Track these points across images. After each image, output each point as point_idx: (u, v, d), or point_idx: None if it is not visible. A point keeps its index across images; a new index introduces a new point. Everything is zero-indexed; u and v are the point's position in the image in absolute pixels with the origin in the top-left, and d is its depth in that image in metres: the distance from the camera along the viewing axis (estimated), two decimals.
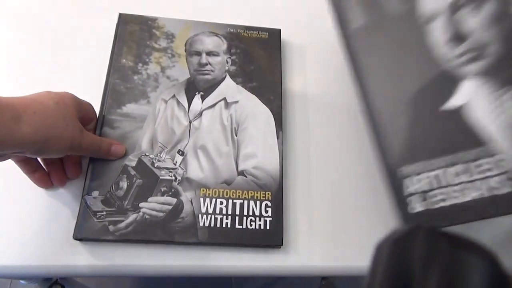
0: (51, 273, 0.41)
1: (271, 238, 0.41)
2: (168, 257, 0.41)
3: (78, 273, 0.40)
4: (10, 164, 0.40)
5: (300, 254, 0.42)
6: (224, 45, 0.51)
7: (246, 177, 0.43)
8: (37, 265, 0.40)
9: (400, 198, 0.39)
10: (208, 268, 0.41)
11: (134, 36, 0.50)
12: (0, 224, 0.41)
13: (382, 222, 0.45)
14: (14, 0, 0.53)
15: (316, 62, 0.54)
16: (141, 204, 0.41)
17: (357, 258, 0.43)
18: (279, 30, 0.53)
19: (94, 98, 0.47)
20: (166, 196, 0.42)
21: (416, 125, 0.40)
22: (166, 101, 0.47)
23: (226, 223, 0.41)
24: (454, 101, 0.39)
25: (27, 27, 0.52)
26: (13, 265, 0.40)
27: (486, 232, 0.45)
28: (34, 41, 0.51)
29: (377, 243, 0.22)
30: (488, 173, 0.37)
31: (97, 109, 0.47)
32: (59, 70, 0.49)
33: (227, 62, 0.50)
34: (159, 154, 0.44)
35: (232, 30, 0.52)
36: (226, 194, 0.42)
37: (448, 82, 0.40)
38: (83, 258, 0.40)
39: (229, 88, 0.48)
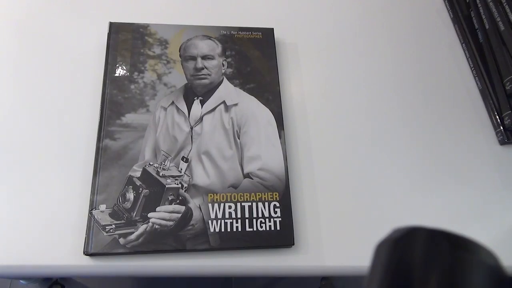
0: (51, 273, 0.41)
1: (283, 238, 0.41)
2: (180, 265, 0.41)
3: (78, 273, 0.40)
4: (12, 166, 0.39)
5: (311, 253, 0.43)
6: (218, 48, 0.51)
7: (252, 179, 0.44)
8: (37, 265, 0.40)
9: None
10: (220, 269, 0.41)
11: (127, 45, 0.49)
12: (0, 224, 0.41)
13: (383, 222, 0.46)
14: (2, 14, 0.52)
15: (309, 59, 0.54)
16: (149, 215, 0.41)
17: (359, 258, 0.43)
18: (272, 29, 0.53)
19: (91, 110, 0.47)
20: (174, 204, 0.41)
21: None
22: (165, 109, 0.46)
23: (237, 227, 0.41)
24: None
25: (16, 40, 0.50)
26: (13, 265, 0.39)
27: (486, 232, 0.46)
28: (24, 57, 0.50)
29: (377, 243, 0.22)
30: None
31: (96, 121, 0.46)
32: (52, 85, 0.48)
33: (223, 65, 0.50)
34: (163, 163, 0.43)
35: (225, 32, 0.52)
36: (234, 198, 0.42)
37: None
38: (95, 272, 0.40)
39: (227, 91, 0.48)
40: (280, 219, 0.42)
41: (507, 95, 0.51)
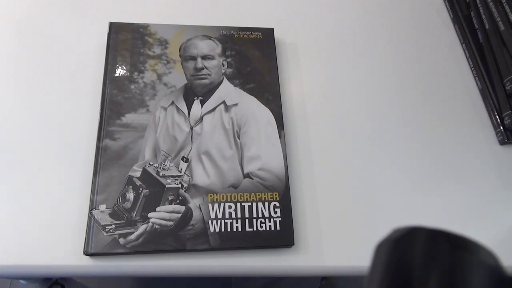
0: (51, 273, 0.41)
1: (283, 238, 0.41)
2: (180, 265, 0.41)
3: (78, 273, 0.40)
4: (12, 166, 0.39)
5: (311, 253, 0.43)
6: (218, 48, 0.51)
7: (252, 179, 0.44)
8: (37, 265, 0.40)
9: None
10: (220, 269, 0.41)
11: (127, 45, 0.49)
12: (0, 224, 0.41)
13: (383, 222, 0.46)
14: (2, 14, 0.52)
15: (309, 59, 0.54)
16: (149, 215, 0.41)
17: (359, 258, 0.43)
18: (272, 29, 0.53)
19: (91, 110, 0.47)
20: (174, 204, 0.41)
21: None
22: (165, 109, 0.46)
23: (237, 227, 0.41)
24: None
25: (16, 40, 0.50)
26: (13, 265, 0.39)
27: (486, 232, 0.46)
28: (24, 57, 0.50)
29: (377, 243, 0.22)
30: None
31: (96, 121, 0.46)
32: (52, 85, 0.48)
33: (223, 65, 0.50)
34: (163, 163, 0.43)
35: (225, 32, 0.52)
36: (234, 198, 0.42)
37: None
38: (95, 272, 0.40)
39: (227, 91, 0.48)
40: (280, 219, 0.42)
41: (507, 95, 0.51)
